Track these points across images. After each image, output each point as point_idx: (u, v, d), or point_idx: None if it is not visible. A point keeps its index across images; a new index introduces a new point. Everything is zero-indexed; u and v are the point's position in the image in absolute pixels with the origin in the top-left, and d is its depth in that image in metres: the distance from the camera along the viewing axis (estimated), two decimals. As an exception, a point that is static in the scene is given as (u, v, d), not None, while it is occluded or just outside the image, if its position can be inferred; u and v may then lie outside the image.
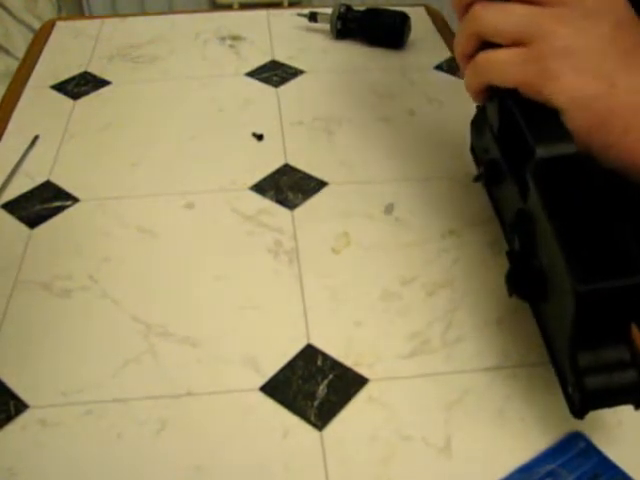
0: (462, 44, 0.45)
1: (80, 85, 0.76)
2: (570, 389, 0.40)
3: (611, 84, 0.41)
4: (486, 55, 0.43)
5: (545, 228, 0.40)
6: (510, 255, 0.44)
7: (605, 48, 0.41)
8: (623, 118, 0.42)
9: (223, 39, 0.84)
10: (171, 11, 1.81)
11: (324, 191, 0.61)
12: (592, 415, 0.43)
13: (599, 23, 0.41)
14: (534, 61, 0.41)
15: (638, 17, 0.43)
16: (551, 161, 0.41)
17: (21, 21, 1.51)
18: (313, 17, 0.84)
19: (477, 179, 0.46)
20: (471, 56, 0.44)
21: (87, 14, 2.01)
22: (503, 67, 0.42)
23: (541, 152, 0.41)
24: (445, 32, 0.86)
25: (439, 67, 0.78)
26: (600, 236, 0.39)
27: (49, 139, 0.68)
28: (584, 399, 0.39)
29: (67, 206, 0.60)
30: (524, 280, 0.43)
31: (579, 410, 0.40)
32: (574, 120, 0.42)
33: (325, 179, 0.62)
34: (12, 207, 0.60)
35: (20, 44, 1.44)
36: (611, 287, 0.38)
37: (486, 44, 0.44)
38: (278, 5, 1.90)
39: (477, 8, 0.43)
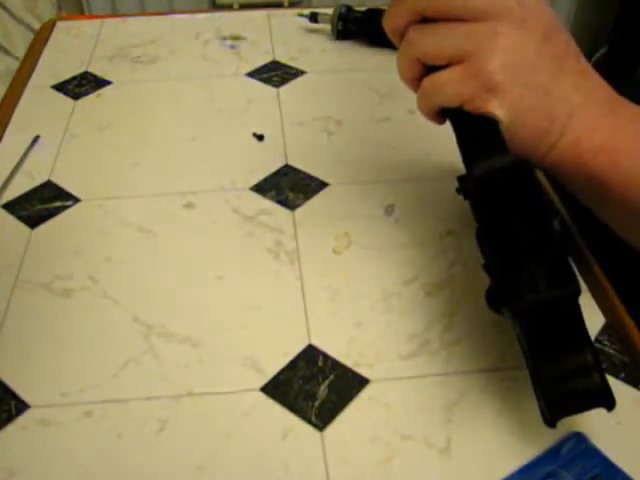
0: (405, 71, 0.45)
1: (80, 85, 0.76)
2: (537, 401, 0.41)
3: (546, 92, 0.42)
4: (429, 79, 0.43)
5: (486, 246, 0.42)
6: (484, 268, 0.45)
7: (538, 57, 0.42)
8: (559, 124, 0.42)
9: (223, 39, 0.84)
10: (171, 11, 1.81)
11: (325, 191, 0.61)
12: (592, 416, 0.44)
13: (530, 33, 0.42)
14: (473, 78, 0.42)
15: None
16: (486, 178, 0.42)
17: (21, 21, 1.51)
18: (314, 18, 0.84)
19: (458, 191, 0.47)
20: (419, 79, 0.45)
21: (87, 14, 2.01)
22: (445, 88, 0.43)
23: (477, 171, 0.42)
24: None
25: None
26: (534, 250, 0.40)
27: (50, 139, 0.68)
28: (551, 409, 0.40)
29: (67, 206, 0.60)
30: (488, 294, 0.44)
31: (549, 420, 0.40)
32: (516, 132, 0.43)
33: (326, 179, 0.62)
34: (13, 207, 0.60)
35: (20, 44, 1.44)
36: (549, 298, 0.39)
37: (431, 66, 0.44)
38: (278, 5, 1.90)
39: (411, 34, 0.43)
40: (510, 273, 0.40)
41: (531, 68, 0.42)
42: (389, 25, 0.45)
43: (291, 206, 0.60)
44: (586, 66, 0.44)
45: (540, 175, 0.62)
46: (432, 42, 0.43)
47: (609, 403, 0.40)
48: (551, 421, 0.40)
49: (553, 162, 0.44)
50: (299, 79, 0.77)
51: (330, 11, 0.83)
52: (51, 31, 0.86)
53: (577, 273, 0.53)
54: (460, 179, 0.45)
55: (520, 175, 0.42)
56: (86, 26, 0.87)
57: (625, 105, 0.44)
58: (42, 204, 0.60)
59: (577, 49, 0.44)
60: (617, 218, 0.47)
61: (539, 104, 0.42)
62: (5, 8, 1.47)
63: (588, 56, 0.47)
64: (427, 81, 0.44)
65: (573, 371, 0.40)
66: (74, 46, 0.83)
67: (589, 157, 0.43)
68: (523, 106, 0.42)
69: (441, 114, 0.45)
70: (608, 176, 0.43)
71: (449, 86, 0.42)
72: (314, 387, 0.45)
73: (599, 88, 0.44)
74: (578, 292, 0.40)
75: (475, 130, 0.44)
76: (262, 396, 0.45)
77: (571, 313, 0.40)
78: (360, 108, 0.72)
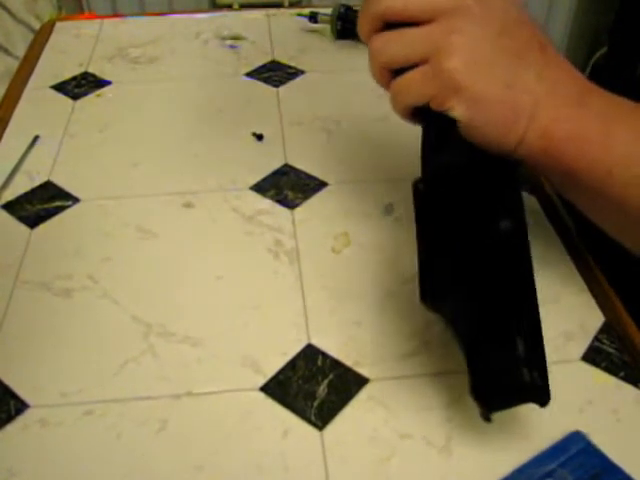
0: (377, 76, 0.46)
1: (80, 85, 0.76)
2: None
3: (507, 85, 0.42)
4: (395, 82, 0.45)
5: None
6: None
7: (497, 51, 0.42)
8: (524, 116, 0.43)
9: (223, 39, 0.84)
10: (171, 11, 1.81)
11: (324, 191, 0.61)
12: (591, 415, 0.44)
13: (487, 28, 0.42)
14: (433, 77, 0.42)
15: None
16: (427, 186, 0.43)
17: (21, 21, 1.51)
18: (313, 17, 0.84)
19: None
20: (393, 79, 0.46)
21: (87, 14, 2.01)
22: (410, 89, 0.44)
23: (419, 185, 0.43)
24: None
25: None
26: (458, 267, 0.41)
27: (49, 139, 0.68)
28: (479, 402, 0.40)
29: (67, 206, 0.60)
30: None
31: (481, 413, 0.40)
32: (481, 127, 0.43)
33: (325, 179, 0.62)
34: (12, 207, 0.60)
35: (20, 44, 1.44)
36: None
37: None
38: (278, 6, 1.90)
39: (374, 41, 0.45)
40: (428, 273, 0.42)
41: (490, 62, 0.42)
42: (361, 34, 0.46)
43: (290, 205, 0.60)
44: (553, 56, 0.44)
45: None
46: (394, 48, 0.44)
47: (541, 400, 0.40)
48: (484, 415, 0.40)
49: (525, 154, 0.44)
50: (298, 79, 0.77)
51: (329, 11, 0.83)
52: (51, 31, 0.86)
53: (577, 273, 0.53)
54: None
55: (466, 174, 0.42)
56: (86, 26, 0.88)
57: (597, 94, 0.44)
58: (42, 204, 0.60)
59: (544, 39, 0.44)
60: (590, 208, 0.47)
61: (501, 97, 0.42)
62: (5, 8, 1.47)
63: (588, 56, 0.46)
64: (394, 84, 0.45)
65: (500, 365, 0.40)
66: (74, 46, 0.83)
67: (557, 147, 0.43)
68: (485, 100, 0.42)
69: (415, 115, 0.46)
70: (577, 166, 0.43)
71: (413, 87, 0.43)
72: (313, 386, 0.45)
73: (567, 78, 0.44)
74: None
75: (434, 129, 0.45)
76: (261, 396, 0.45)
77: (501, 305, 0.40)
78: (359, 108, 0.72)
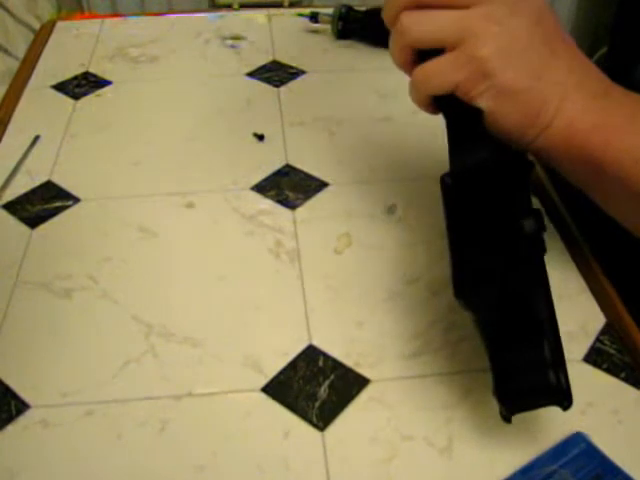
0: (398, 57, 0.45)
1: (81, 85, 0.76)
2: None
3: (538, 76, 0.42)
4: (421, 69, 0.44)
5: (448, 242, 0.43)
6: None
7: (530, 41, 0.42)
8: (552, 106, 0.43)
9: (224, 39, 0.84)
10: (171, 11, 1.81)
11: (325, 191, 0.61)
12: (593, 416, 0.44)
13: (522, 17, 0.42)
14: (464, 64, 0.42)
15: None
16: (457, 177, 0.43)
17: (21, 21, 1.51)
18: (314, 18, 0.84)
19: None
20: (412, 64, 0.45)
21: (87, 14, 2.01)
22: (437, 76, 0.43)
23: (447, 179, 0.43)
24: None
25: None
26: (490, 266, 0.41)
27: (50, 139, 0.67)
28: (502, 403, 0.40)
29: (68, 206, 0.60)
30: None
31: (503, 415, 0.41)
32: (505, 117, 0.43)
33: (326, 179, 0.62)
34: (13, 207, 0.60)
35: (20, 44, 1.44)
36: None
37: (423, 51, 0.44)
38: (279, 5, 1.90)
39: (403, 20, 0.43)
40: (463, 272, 0.41)
41: (524, 52, 0.42)
42: (386, 15, 0.45)
43: (291, 206, 0.60)
44: (576, 48, 0.44)
45: (539, 170, 0.62)
46: (423, 29, 0.43)
47: (564, 403, 0.39)
48: (505, 416, 0.40)
49: (545, 144, 0.44)
50: (299, 79, 0.77)
51: (330, 11, 0.83)
52: (51, 31, 0.86)
53: (578, 274, 0.53)
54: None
55: (495, 172, 0.42)
56: (86, 26, 0.87)
57: (617, 87, 0.45)
58: (42, 204, 0.60)
59: (566, 34, 0.44)
60: (611, 200, 0.46)
61: (531, 87, 0.42)
62: (5, 8, 1.47)
63: (588, 56, 0.47)
64: (417, 71, 0.44)
65: (527, 367, 0.39)
66: (74, 46, 0.83)
67: (582, 137, 0.43)
68: (514, 90, 0.42)
69: (434, 104, 0.45)
70: (601, 156, 0.43)
71: (442, 73, 0.43)
72: (315, 387, 0.45)
73: (591, 70, 0.45)
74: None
75: (460, 122, 0.44)
76: (263, 396, 0.45)
77: (530, 306, 0.40)
78: (361, 108, 0.71)
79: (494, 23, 0.42)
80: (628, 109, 0.44)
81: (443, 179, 0.43)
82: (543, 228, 0.42)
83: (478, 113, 0.43)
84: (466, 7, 0.42)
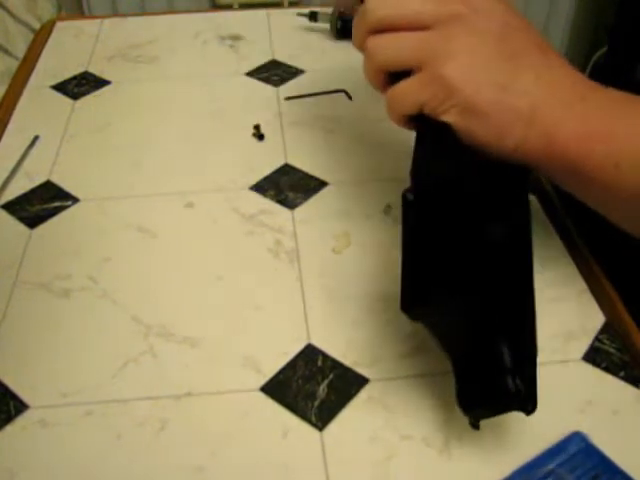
0: (371, 80, 0.46)
1: (80, 85, 0.76)
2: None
3: (502, 89, 0.43)
4: (391, 91, 0.45)
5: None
6: None
7: (493, 57, 0.43)
8: (523, 118, 0.43)
9: (223, 39, 0.84)
10: (171, 11, 1.81)
11: (324, 191, 0.61)
12: (592, 415, 0.44)
13: (482, 35, 0.43)
14: (428, 83, 0.43)
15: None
16: (418, 197, 0.43)
17: (21, 21, 1.51)
18: (313, 17, 0.84)
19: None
20: (387, 85, 0.46)
21: (87, 14, 2.01)
22: (405, 97, 0.44)
23: (409, 195, 0.43)
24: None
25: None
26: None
27: (49, 139, 0.67)
28: (464, 409, 0.40)
29: (67, 206, 0.60)
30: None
31: (469, 420, 0.41)
32: (477, 131, 0.43)
33: (325, 179, 0.62)
34: (12, 207, 0.60)
35: (20, 44, 1.44)
36: None
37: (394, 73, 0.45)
38: (278, 5, 1.90)
39: (369, 45, 0.45)
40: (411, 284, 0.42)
41: (486, 68, 0.43)
42: (354, 40, 0.46)
43: (291, 205, 0.60)
44: (553, 58, 0.44)
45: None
46: (390, 50, 0.44)
47: (527, 407, 0.39)
48: (472, 423, 0.40)
49: (526, 155, 0.44)
50: (299, 78, 0.77)
51: (330, 10, 0.83)
52: (51, 31, 0.86)
53: (577, 273, 0.53)
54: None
55: (462, 183, 0.42)
56: (86, 26, 0.87)
57: (598, 91, 0.44)
58: (41, 204, 0.60)
59: (541, 41, 0.44)
60: (603, 206, 0.46)
61: (496, 101, 0.42)
62: (5, 8, 1.47)
63: (588, 56, 0.46)
64: (390, 92, 0.45)
65: (485, 374, 0.40)
66: (74, 46, 0.83)
67: (561, 147, 0.43)
68: (479, 104, 0.42)
69: (411, 122, 0.46)
70: (583, 164, 0.43)
71: (409, 94, 0.44)
72: (313, 387, 0.45)
73: (566, 78, 0.44)
74: None
75: (429, 139, 0.45)
76: (261, 396, 0.45)
77: (489, 311, 0.40)
78: (360, 107, 0.71)
79: (454, 43, 0.42)
80: (607, 113, 0.44)
81: (405, 195, 0.43)
82: (518, 231, 0.42)
83: (446, 129, 0.43)
84: (427, 28, 0.43)
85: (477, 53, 0.42)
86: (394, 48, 0.44)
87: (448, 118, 0.43)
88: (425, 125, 0.44)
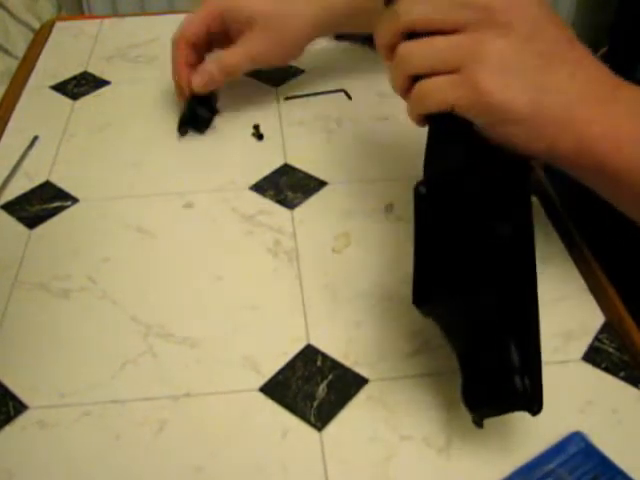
0: (399, 84, 0.46)
1: (79, 85, 0.76)
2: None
3: (538, 89, 0.43)
4: (421, 85, 0.44)
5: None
6: None
7: (525, 58, 0.43)
8: (555, 119, 0.43)
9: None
10: (170, 11, 1.81)
11: (324, 191, 0.61)
12: (592, 415, 0.43)
13: (514, 37, 0.43)
14: (464, 83, 0.43)
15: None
16: (431, 190, 0.43)
17: (21, 21, 1.51)
18: (313, 17, 0.84)
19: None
20: (410, 89, 0.46)
21: (87, 14, 2.01)
22: (437, 93, 0.44)
23: (421, 188, 0.42)
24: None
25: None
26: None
27: (48, 139, 0.67)
28: (470, 408, 0.40)
29: (66, 206, 0.60)
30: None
31: (472, 418, 0.41)
32: (510, 133, 0.43)
33: (325, 179, 0.62)
34: (11, 207, 0.60)
35: (20, 44, 1.44)
36: None
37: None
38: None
39: (402, 50, 0.44)
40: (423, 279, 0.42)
41: (519, 69, 0.43)
42: (380, 42, 0.46)
43: (290, 205, 0.59)
44: (583, 53, 0.44)
45: (539, 170, 0.62)
46: (422, 58, 0.44)
47: (533, 408, 0.39)
48: (476, 421, 0.40)
49: (556, 155, 0.44)
50: (298, 78, 0.77)
51: (329, 10, 0.83)
52: (50, 31, 0.86)
53: (578, 273, 0.53)
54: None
55: (475, 179, 0.42)
56: (85, 26, 0.87)
57: (627, 88, 0.44)
58: (41, 204, 0.60)
59: (571, 35, 0.44)
60: (630, 204, 0.46)
61: (531, 103, 0.42)
62: (5, 8, 1.47)
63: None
64: (418, 88, 0.44)
65: (493, 373, 0.40)
66: (73, 46, 0.83)
67: (592, 145, 0.43)
68: (514, 108, 0.42)
69: (429, 119, 0.46)
70: (613, 162, 0.43)
71: (441, 92, 0.43)
72: (313, 387, 0.45)
73: (598, 74, 0.44)
74: None
75: (448, 136, 0.45)
76: (261, 396, 0.45)
77: (499, 310, 0.40)
78: (359, 107, 0.71)
79: (487, 45, 0.42)
80: (636, 112, 0.44)
81: (417, 188, 0.43)
82: (525, 231, 0.42)
83: (469, 127, 0.43)
84: (460, 32, 0.43)
85: (510, 55, 0.42)
86: (427, 54, 0.44)
87: (479, 121, 0.43)
88: (447, 123, 0.44)
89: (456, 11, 0.43)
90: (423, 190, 0.42)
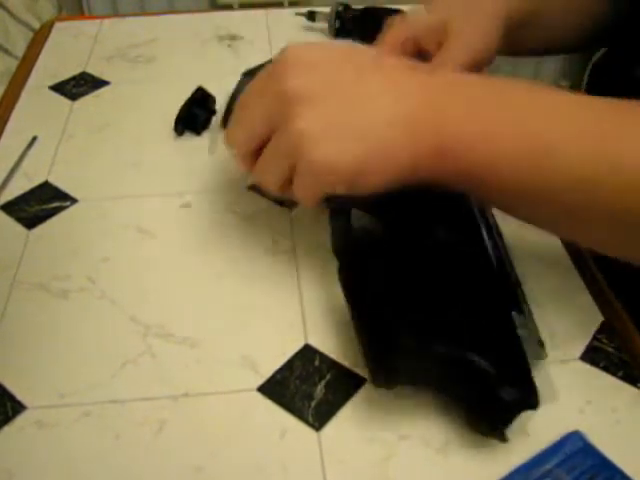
0: (243, 165, 0.48)
1: (79, 85, 0.76)
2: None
3: (355, 142, 0.43)
4: (256, 165, 0.47)
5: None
6: None
7: (331, 118, 0.43)
8: (396, 153, 0.43)
9: (221, 39, 0.84)
10: (169, 11, 1.81)
11: (323, 191, 0.61)
12: (590, 415, 0.43)
13: (323, 105, 0.43)
14: (305, 176, 0.44)
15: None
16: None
17: (21, 21, 1.51)
18: (311, 16, 0.84)
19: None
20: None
21: (87, 14, 2.01)
22: (301, 195, 0.45)
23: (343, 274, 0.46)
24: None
25: (438, 66, 0.78)
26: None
27: (47, 139, 0.67)
28: (484, 431, 0.42)
29: (65, 206, 0.60)
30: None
31: (496, 438, 0.42)
32: (371, 185, 0.43)
33: (324, 179, 0.62)
34: (10, 208, 0.60)
35: (20, 44, 1.44)
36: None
37: None
38: (278, 5, 1.90)
39: (255, 171, 0.47)
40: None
41: (332, 131, 0.43)
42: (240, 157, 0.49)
43: (289, 205, 0.59)
44: (398, 70, 0.45)
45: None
46: (270, 173, 0.46)
47: (531, 405, 0.41)
48: (497, 437, 0.41)
49: (424, 175, 0.43)
50: (297, 78, 0.76)
51: (328, 10, 0.83)
52: (50, 31, 0.86)
53: (576, 273, 0.53)
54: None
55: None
56: (85, 26, 0.87)
57: (454, 93, 0.44)
58: (40, 205, 0.60)
59: (382, 62, 0.45)
60: (505, 205, 0.46)
61: (355, 154, 0.42)
62: (5, 8, 1.47)
63: (588, 56, 0.46)
64: (254, 170, 0.47)
65: (481, 394, 0.41)
66: (72, 46, 0.83)
67: (448, 151, 0.42)
68: (343, 165, 0.43)
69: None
70: (470, 165, 0.42)
71: (301, 191, 0.45)
72: (311, 387, 0.45)
73: (404, 85, 0.44)
74: None
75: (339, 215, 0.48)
76: (259, 396, 0.45)
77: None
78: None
79: (301, 122, 0.43)
80: (455, 100, 0.43)
81: (340, 274, 0.46)
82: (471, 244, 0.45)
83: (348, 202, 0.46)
84: (274, 130, 0.44)
85: (315, 126, 0.42)
86: (270, 167, 0.46)
87: (339, 191, 0.44)
88: (335, 204, 0.47)
89: (259, 118, 0.45)
90: (344, 275, 0.45)
